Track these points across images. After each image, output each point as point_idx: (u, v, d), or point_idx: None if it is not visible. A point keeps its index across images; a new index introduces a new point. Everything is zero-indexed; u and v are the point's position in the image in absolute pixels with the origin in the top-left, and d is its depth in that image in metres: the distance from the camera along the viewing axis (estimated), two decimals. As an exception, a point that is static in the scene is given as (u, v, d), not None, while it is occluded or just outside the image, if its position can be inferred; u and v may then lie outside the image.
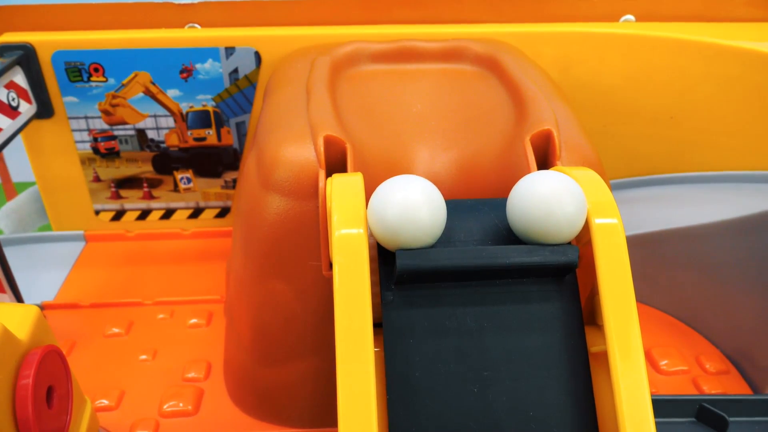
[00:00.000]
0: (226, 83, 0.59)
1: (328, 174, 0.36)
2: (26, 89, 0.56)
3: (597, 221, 0.29)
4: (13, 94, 0.54)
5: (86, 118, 0.60)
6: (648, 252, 0.54)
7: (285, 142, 0.38)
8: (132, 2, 0.58)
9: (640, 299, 0.57)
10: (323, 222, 0.35)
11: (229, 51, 0.57)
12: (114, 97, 0.59)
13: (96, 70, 0.58)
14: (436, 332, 0.29)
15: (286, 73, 0.49)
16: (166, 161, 0.63)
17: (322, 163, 0.36)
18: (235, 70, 0.58)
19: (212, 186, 0.65)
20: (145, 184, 0.64)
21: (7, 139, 0.53)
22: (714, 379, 0.50)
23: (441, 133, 0.41)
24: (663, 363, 0.51)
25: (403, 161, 0.40)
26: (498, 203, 0.31)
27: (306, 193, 0.37)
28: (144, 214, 0.66)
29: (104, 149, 0.62)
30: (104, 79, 0.58)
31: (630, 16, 0.60)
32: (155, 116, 0.61)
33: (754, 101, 0.56)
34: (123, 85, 0.58)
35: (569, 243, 0.29)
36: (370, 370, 0.26)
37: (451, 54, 0.49)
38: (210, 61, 0.58)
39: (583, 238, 0.31)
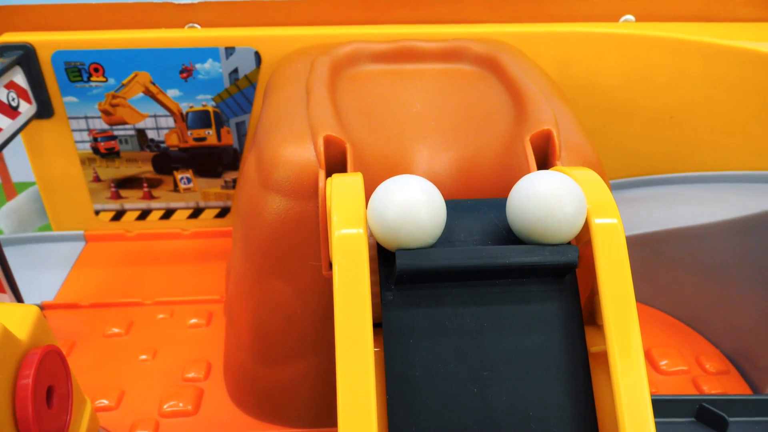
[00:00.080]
0: (226, 83, 0.59)
1: (328, 174, 0.36)
2: (26, 89, 0.57)
3: (597, 221, 0.29)
4: (13, 94, 0.54)
5: (86, 118, 0.60)
6: (648, 252, 0.54)
7: (285, 142, 0.38)
8: (132, 2, 0.58)
9: (640, 299, 0.57)
10: (323, 222, 0.35)
11: (229, 51, 0.57)
12: (114, 97, 0.59)
13: (96, 70, 0.58)
14: (435, 332, 0.29)
15: (286, 73, 0.49)
16: (166, 161, 0.63)
17: (322, 163, 0.36)
18: (235, 70, 0.58)
19: (212, 186, 0.65)
20: (145, 184, 0.64)
21: (7, 139, 0.53)
22: (714, 379, 0.50)
23: (441, 133, 0.41)
24: (663, 363, 0.51)
25: (402, 161, 0.40)
26: (498, 203, 0.31)
27: (306, 193, 0.37)
28: (144, 214, 0.66)
29: (104, 149, 0.62)
30: (104, 79, 0.58)
31: (630, 16, 0.60)
32: (155, 116, 0.61)
33: (754, 101, 0.56)
34: (123, 85, 0.59)
35: (569, 243, 0.29)
36: (370, 370, 0.26)
37: (451, 54, 0.49)
38: (210, 61, 0.58)
39: (583, 238, 0.31)
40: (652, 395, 0.29)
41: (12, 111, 0.54)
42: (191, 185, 0.65)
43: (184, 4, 0.58)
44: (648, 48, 0.58)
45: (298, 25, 0.58)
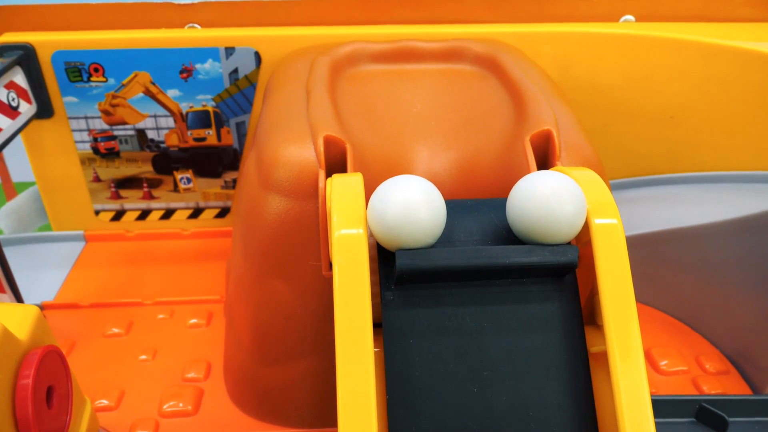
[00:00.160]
0: (226, 83, 0.59)
1: (328, 174, 0.36)
2: (26, 89, 0.57)
3: (597, 221, 0.29)
4: (13, 94, 0.54)
5: (86, 118, 0.60)
6: (648, 252, 0.54)
7: (285, 142, 0.38)
8: (132, 2, 0.58)
9: (639, 299, 0.57)
10: (323, 222, 0.35)
11: (229, 51, 0.57)
12: (114, 97, 0.59)
13: (96, 70, 0.58)
14: (435, 332, 0.29)
15: (286, 73, 0.49)
16: (166, 161, 0.63)
17: (322, 164, 0.36)
18: (235, 70, 0.58)
19: (212, 186, 0.65)
20: (145, 184, 0.64)
21: (7, 139, 0.53)
22: (714, 380, 0.50)
23: (441, 133, 0.41)
24: (663, 363, 0.51)
25: (402, 161, 0.40)
26: (498, 203, 0.31)
27: (306, 193, 0.37)
28: (144, 214, 0.66)
29: (104, 149, 0.62)
30: (104, 79, 0.58)
31: (630, 17, 0.60)
32: (155, 116, 0.61)
33: (754, 101, 0.56)
34: (123, 85, 0.59)
35: (569, 243, 0.29)
36: (370, 370, 0.26)
37: (450, 54, 0.49)
38: (210, 61, 0.58)
39: (583, 238, 0.31)
40: (652, 395, 0.29)
41: (12, 111, 0.54)
42: (191, 185, 0.65)
43: (184, 4, 0.58)
44: (648, 48, 0.58)
45: (298, 25, 0.58)
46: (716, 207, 0.53)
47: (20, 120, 0.55)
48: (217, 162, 0.63)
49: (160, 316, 0.57)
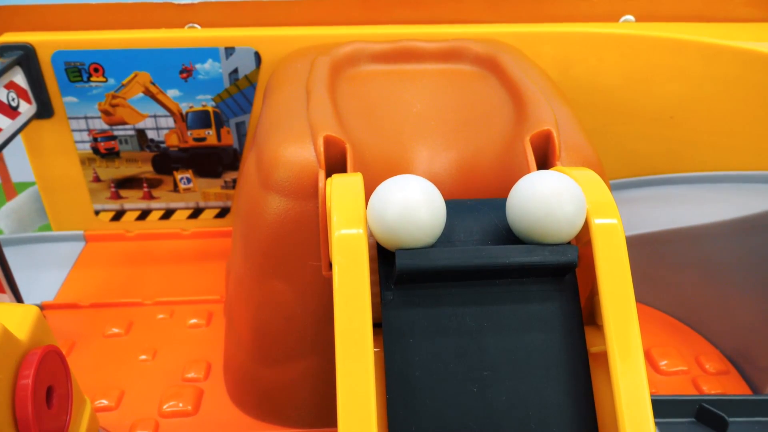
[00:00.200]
0: (226, 83, 0.59)
1: (328, 174, 0.36)
2: (26, 89, 0.57)
3: (597, 221, 0.29)
4: (12, 94, 0.54)
5: (86, 118, 0.60)
6: (648, 252, 0.54)
7: (285, 143, 0.38)
8: (132, 2, 0.58)
9: (639, 299, 0.57)
10: (323, 222, 0.35)
11: (229, 51, 0.57)
12: (114, 97, 0.59)
13: (96, 70, 0.58)
14: (435, 332, 0.29)
15: (285, 73, 0.49)
16: (165, 161, 0.63)
17: (322, 164, 0.36)
18: (235, 71, 0.58)
19: (212, 186, 0.65)
20: (144, 184, 0.64)
21: (7, 139, 0.53)
22: (714, 380, 0.50)
23: (441, 134, 0.41)
24: (663, 363, 0.51)
25: (402, 161, 0.40)
26: (498, 203, 0.31)
27: (306, 193, 0.37)
28: (144, 214, 0.66)
29: (104, 149, 0.62)
30: (104, 80, 0.58)
31: (630, 17, 0.60)
32: (155, 116, 0.61)
33: (754, 101, 0.56)
34: (123, 85, 0.59)
35: (569, 243, 0.29)
36: (370, 370, 0.26)
37: (450, 54, 0.49)
38: (210, 61, 0.58)
39: (583, 238, 0.31)
40: (652, 395, 0.29)
41: (12, 111, 0.54)
42: (191, 185, 0.65)
43: (184, 4, 0.58)
44: (648, 48, 0.58)
45: (298, 25, 0.58)
46: (716, 207, 0.53)
47: (20, 120, 0.55)
48: (217, 162, 0.63)
49: (160, 316, 0.57)
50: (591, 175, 0.32)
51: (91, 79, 0.58)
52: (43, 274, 0.62)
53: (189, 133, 0.62)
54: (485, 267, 0.28)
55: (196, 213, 0.67)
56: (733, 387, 0.49)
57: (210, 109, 0.60)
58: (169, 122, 0.61)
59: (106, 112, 0.60)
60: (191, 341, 0.54)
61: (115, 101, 0.59)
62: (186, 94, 0.59)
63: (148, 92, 0.59)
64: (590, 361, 0.30)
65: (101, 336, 0.54)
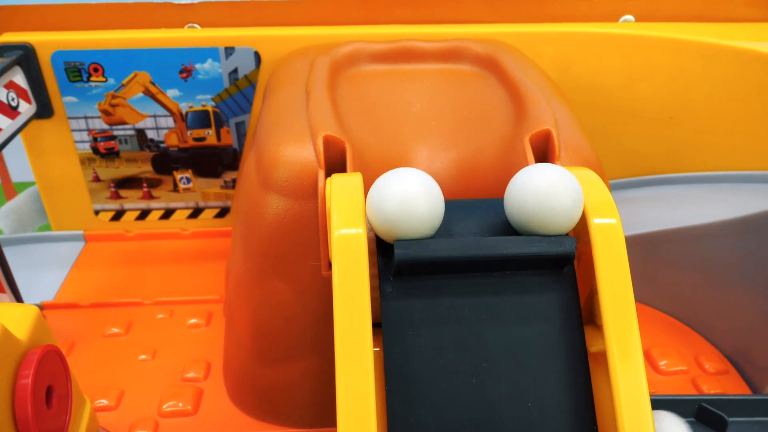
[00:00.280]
0: (226, 83, 0.59)
1: (328, 174, 0.36)
2: (26, 89, 0.57)
3: (596, 221, 0.29)
4: (12, 94, 0.54)
5: (86, 118, 0.60)
6: (647, 252, 0.54)
7: (284, 142, 0.38)
8: (132, 2, 0.58)
9: (639, 299, 0.57)
10: (322, 222, 0.35)
11: (229, 51, 0.57)
12: (114, 97, 0.59)
13: (96, 70, 0.58)
14: (434, 323, 0.29)
15: (285, 73, 0.49)
16: (165, 161, 0.63)
17: (322, 163, 0.36)
18: (235, 70, 0.58)
19: (212, 186, 0.65)
20: (144, 184, 0.64)
21: (7, 139, 0.53)
22: (713, 379, 0.50)
23: (440, 133, 0.41)
24: (662, 363, 0.51)
25: (402, 161, 0.40)
26: (496, 203, 0.31)
27: (305, 193, 0.37)
28: (144, 214, 0.66)
29: (104, 149, 0.62)
30: (104, 79, 0.58)
31: (629, 17, 0.60)
32: (155, 116, 0.61)
33: (754, 101, 0.56)
34: (123, 85, 0.59)
35: (566, 234, 0.29)
36: (369, 369, 0.26)
37: (450, 54, 0.49)
38: (209, 61, 0.58)
39: (583, 237, 0.31)
40: (651, 395, 0.29)
41: (12, 111, 0.54)
42: (191, 185, 0.65)
43: (184, 4, 0.58)
44: (648, 48, 0.58)
45: (298, 25, 0.58)
46: (716, 207, 0.53)
47: (20, 120, 0.55)
48: (216, 162, 0.64)
49: (160, 316, 0.57)
50: (590, 175, 0.32)
51: (91, 79, 0.58)
52: (43, 274, 0.62)
53: (189, 133, 0.62)
54: (483, 258, 0.28)
55: (195, 213, 0.67)
56: (733, 387, 0.49)
57: (210, 109, 0.60)
58: (169, 122, 0.61)
59: (105, 112, 0.60)
60: (191, 341, 0.54)
61: (114, 101, 0.59)
62: (186, 94, 0.59)
63: (147, 92, 0.59)
64: (590, 361, 0.30)
65: (101, 336, 0.54)
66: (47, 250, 0.65)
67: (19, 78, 0.56)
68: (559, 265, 0.30)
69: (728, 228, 0.50)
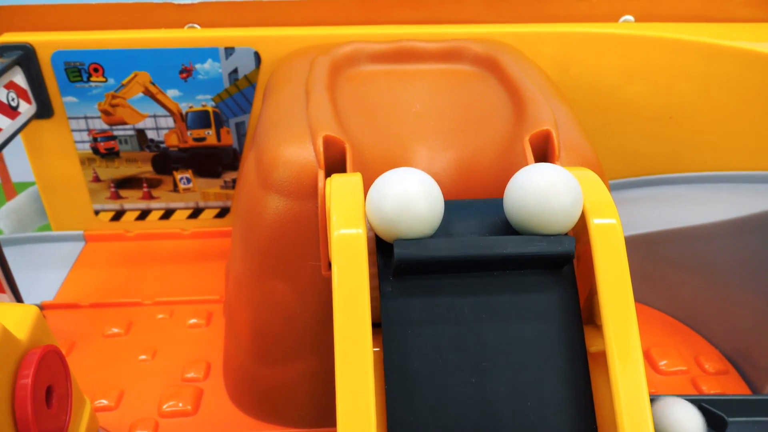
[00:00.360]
0: (226, 83, 0.59)
1: (328, 174, 0.36)
2: (26, 89, 0.57)
3: (595, 221, 0.29)
4: (12, 94, 0.54)
5: (86, 118, 0.60)
6: (647, 252, 0.54)
7: (284, 143, 0.38)
8: (132, 2, 0.58)
9: (639, 299, 0.57)
10: (322, 222, 0.35)
11: (229, 51, 0.57)
12: (114, 97, 0.59)
13: (96, 70, 0.58)
14: (434, 323, 0.29)
15: (285, 73, 0.49)
16: (165, 161, 0.63)
17: (322, 164, 0.36)
18: (235, 71, 0.58)
19: (212, 186, 0.65)
20: (144, 184, 0.65)
21: (7, 139, 0.53)
22: (713, 379, 0.50)
23: (440, 134, 0.41)
24: (662, 363, 0.51)
25: (402, 161, 0.40)
26: (496, 203, 0.31)
27: (305, 193, 0.37)
28: (144, 214, 0.66)
29: (104, 149, 0.62)
30: (104, 79, 0.58)
31: (629, 17, 0.60)
32: (155, 116, 0.61)
33: (754, 101, 0.56)
34: (123, 85, 0.59)
35: (566, 234, 0.29)
36: (369, 370, 0.26)
37: (450, 54, 0.49)
38: (209, 61, 0.58)
39: (582, 237, 0.31)
40: (651, 395, 0.29)
41: (12, 111, 0.54)
42: (191, 185, 0.65)
43: (184, 4, 0.58)
44: (647, 48, 0.58)
45: (298, 25, 0.58)
46: (716, 207, 0.53)
47: (20, 120, 0.55)
48: (216, 162, 0.64)
49: (160, 316, 0.57)
50: (590, 175, 0.32)
51: (91, 79, 0.58)
52: (43, 274, 0.62)
53: (189, 133, 0.62)
54: (483, 257, 0.28)
55: (195, 213, 0.67)
56: (733, 387, 0.49)
57: (210, 109, 0.60)
58: (169, 122, 0.61)
59: (105, 112, 0.60)
60: (191, 341, 0.54)
61: (114, 101, 0.59)
62: (186, 94, 0.59)
63: (147, 92, 0.59)
64: (590, 361, 0.30)
65: (101, 336, 0.54)
66: (47, 250, 0.65)
67: (19, 78, 0.56)
68: (559, 265, 0.30)
69: (728, 228, 0.50)
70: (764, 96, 0.56)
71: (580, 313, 0.30)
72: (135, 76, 0.58)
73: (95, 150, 0.62)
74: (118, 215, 0.66)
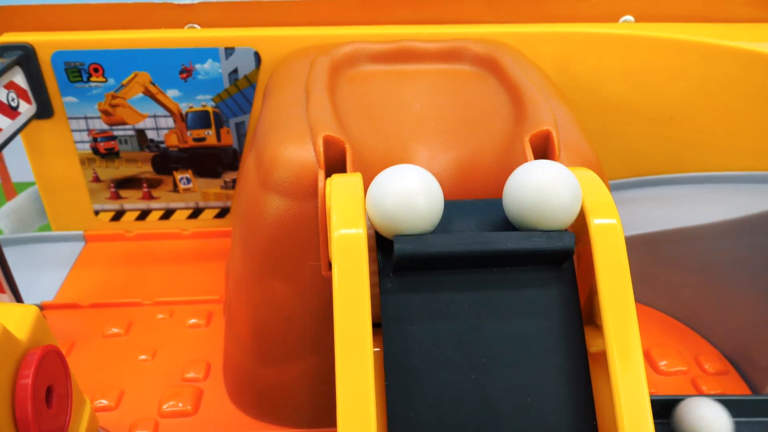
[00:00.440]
0: (226, 84, 0.59)
1: (328, 174, 0.36)
2: (26, 89, 0.57)
3: (596, 222, 0.29)
4: (12, 95, 0.54)
5: (86, 118, 0.60)
6: (647, 252, 0.54)
7: (284, 143, 0.38)
8: (132, 2, 0.58)
9: (639, 299, 0.57)
10: (322, 222, 0.35)
11: (229, 51, 0.57)
12: (114, 97, 0.59)
13: (96, 70, 0.58)
14: (434, 319, 0.29)
15: (285, 73, 0.49)
16: (165, 161, 0.63)
17: (322, 164, 0.36)
18: (235, 71, 0.58)
19: (212, 186, 0.65)
20: (144, 185, 0.65)
21: (7, 139, 0.53)
22: (713, 380, 0.50)
23: (440, 134, 0.41)
24: (662, 363, 0.51)
25: (402, 161, 0.40)
26: (495, 203, 0.31)
27: (305, 193, 0.37)
28: (143, 215, 0.66)
29: (104, 149, 0.62)
30: (104, 80, 0.58)
31: (629, 17, 0.60)
32: (155, 116, 0.61)
33: (754, 101, 0.56)
34: (123, 86, 0.59)
35: (565, 230, 0.29)
36: (369, 370, 0.26)
37: (450, 54, 0.49)
38: (209, 61, 0.58)
39: (582, 237, 0.31)
40: (651, 395, 0.29)
41: (12, 111, 0.54)
42: (191, 185, 0.65)
43: (184, 4, 0.58)
44: (648, 48, 0.58)
45: (298, 25, 0.58)
46: (716, 207, 0.53)
47: (20, 120, 0.55)
48: (216, 162, 0.64)
49: (160, 316, 0.57)
50: (590, 175, 0.32)
51: (91, 79, 0.58)
52: (43, 274, 0.62)
53: (189, 133, 0.62)
54: (483, 253, 0.28)
55: (195, 213, 0.67)
56: (733, 387, 0.49)
57: (210, 109, 0.60)
58: (169, 122, 0.61)
59: (105, 112, 0.60)
60: (191, 341, 0.54)
61: (114, 101, 0.59)
62: (186, 94, 0.59)
63: (147, 92, 0.59)
64: (590, 361, 0.30)
65: (101, 336, 0.54)
66: (47, 250, 0.65)
67: (19, 78, 0.56)
68: (559, 261, 0.30)
69: (728, 228, 0.50)
70: (764, 96, 0.56)
71: (580, 310, 0.30)
72: (135, 76, 0.58)
73: (95, 150, 0.62)
74: (118, 215, 0.66)
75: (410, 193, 0.28)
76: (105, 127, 0.61)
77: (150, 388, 0.49)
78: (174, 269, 0.63)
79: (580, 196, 0.29)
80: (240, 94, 0.60)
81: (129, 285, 0.61)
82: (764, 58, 0.54)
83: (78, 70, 0.57)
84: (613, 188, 0.61)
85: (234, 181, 0.65)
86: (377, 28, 0.58)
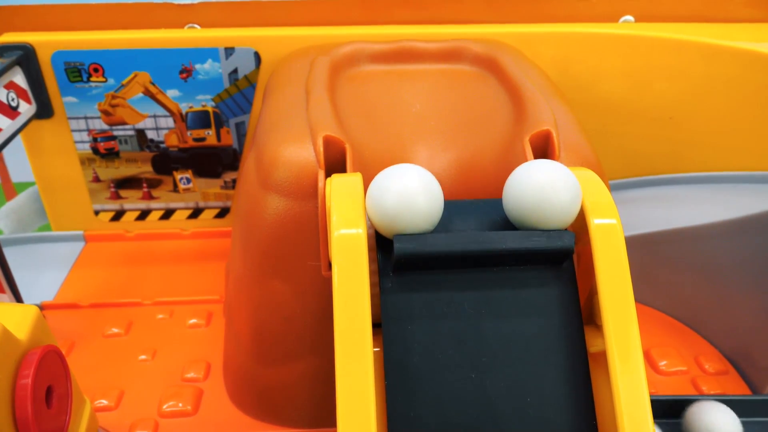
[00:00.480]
0: (226, 84, 0.59)
1: (328, 174, 0.36)
2: (26, 89, 0.57)
3: (596, 222, 0.29)
4: (12, 95, 0.54)
5: (86, 118, 0.60)
6: (647, 252, 0.54)
7: (284, 143, 0.38)
8: (132, 2, 0.58)
9: (639, 299, 0.57)
10: (322, 222, 0.35)
11: (229, 51, 0.57)
12: (114, 97, 0.59)
13: (96, 70, 0.58)
14: (434, 318, 0.29)
15: (285, 73, 0.49)
16: (165, 161, 0.63)
17: (322, 164, 0.36)
18: (235, 71, 0.58)
19: (212, 186, 0.65)
20: (144, 185, 0.65)
21: (7, 139, 0.53)
22: (713, 380, 0.50)
23: (440, 134, 0.41)
24: (662, 363, 0.51)
25: (402, 161, 0.39)
26: (495, 203, 0.31)
27: (305, 193, 0.37)
28: (143, 215, 0.66)
29: (104, 149, 0.62)
30: (104, 80, 0.58)
31: (629, 17, 0.60)
32: (155, 116, 0.61)
33: (754, 101, 0.56)
34: (123, 86, 0.59)
35: (565, 230, 0.29)
36: (369, 370, 0.26)
37: (450, 54, 0.49)
38: (209, 61, 0.58)
39: (582, 238, 0.31)
40: (651, 395, 0.29)
41: (12, 111, 0.54)
42: (191, 185, 0.65)
43: (184, 4, 0.58)
44: (647, 48, 0.58)
45: (298, 25, 0.58)
46: (716, 207, 0.53)
47: (20, 120, 0.55)
48: (216, 162, 0.64)
49: (160, 316, 0.57)
50: (590, 175, 0.32)
51: (91, 79, 0.58)
52: (43, 274, 0.62)
53: (189, 133, 0.62)
54: (483, 252, 0.28)
55: (195, 213, 0.67)
56: (733, 387, 0.49)
57: (210, 109, 0.60)
58: (169, 122, 0.61)
59: (105, 112, 0.60)
60: (191, 341, 0.54)
61: (114, 101, 0.59)
62: (186, 94, 0.59)
63: (147, 92, 0.59)
64: (590, 361, 0.30)
65: (101, 336, 0.54)
66: (47, 250, 0.65)
67: (19, 78, 0.56)
68: (559, 260, 0.30)
69: (728, 228, 0.50)
70: (764, 96, 0.56)
71: (580, 309, 0.30)
72: (135, 76, 0.58)
73: (95, 150, 0.62)
74: (118, 215, 0.66)
75: (410, 193, 0.28)
76: (105, 127, 0.61)
77: (150, 388, 0.49)
78: (174, 269, 0.63)
79: (580, 195, 0.29)
80: (240, 94, 0.60)
81: (129, 285, 0.61)
82: (764, 58, 0.54)
83: (78, 70, 0.57)
84: (613, 188, 0.61)
85: (234, 181, 0.65)
86: (377, 28, 0.58)
